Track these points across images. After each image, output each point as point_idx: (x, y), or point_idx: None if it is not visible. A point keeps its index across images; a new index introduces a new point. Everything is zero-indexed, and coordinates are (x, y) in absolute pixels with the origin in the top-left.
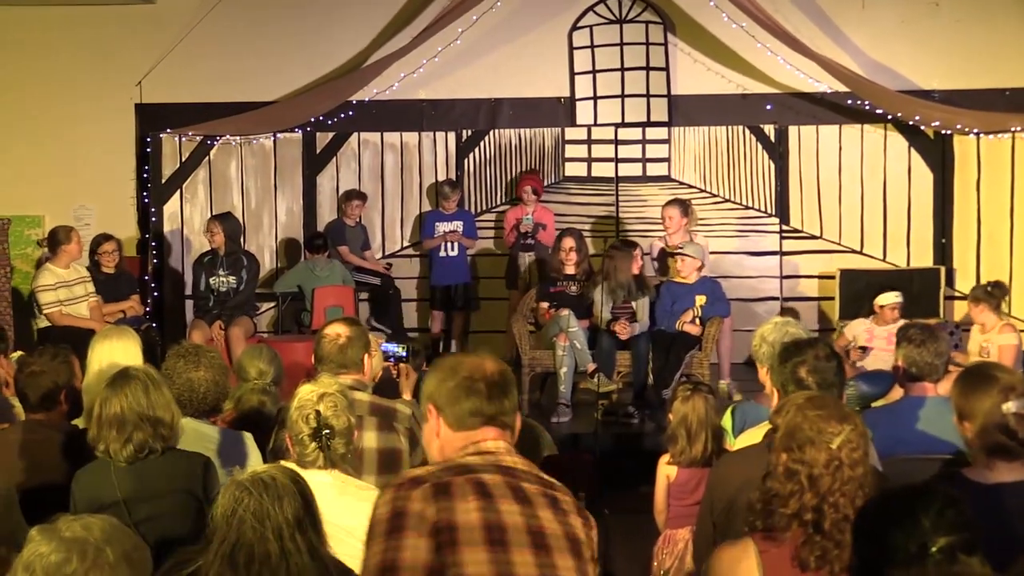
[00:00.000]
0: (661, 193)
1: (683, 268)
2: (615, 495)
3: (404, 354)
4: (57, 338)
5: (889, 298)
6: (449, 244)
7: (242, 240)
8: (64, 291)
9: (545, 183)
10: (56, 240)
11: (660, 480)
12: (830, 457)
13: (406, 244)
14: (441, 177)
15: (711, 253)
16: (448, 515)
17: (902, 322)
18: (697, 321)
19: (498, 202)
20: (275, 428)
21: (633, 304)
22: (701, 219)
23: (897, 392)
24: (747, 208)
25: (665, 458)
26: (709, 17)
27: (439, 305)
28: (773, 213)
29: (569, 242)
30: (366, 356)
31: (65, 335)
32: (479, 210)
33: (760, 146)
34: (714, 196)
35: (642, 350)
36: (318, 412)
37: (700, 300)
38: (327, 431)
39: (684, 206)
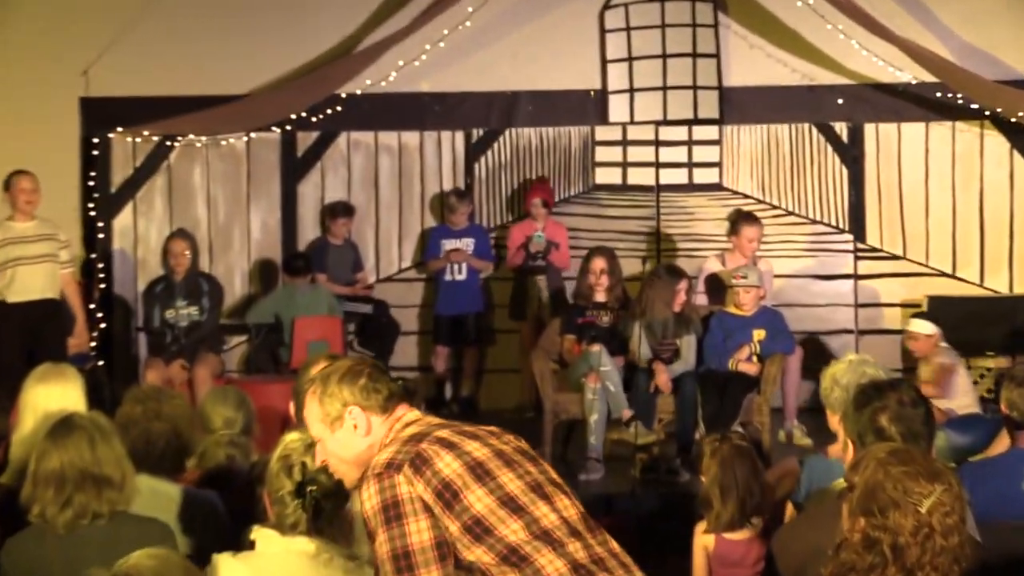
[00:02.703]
0: (711, 204)
1: (744, 300)
2: (657, 571)
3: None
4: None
5: (922, 327)
6: (457, 266)
7: (199, 261)
8: (15, 248)
9: (572, 192)
10: (6, 185)
11: (697, 554)
12: (918, 523)
13: (405, 266)
14: (447, 185)
15: (774, 277)
16: (436, 479)
17: (942, 359)
18: (755, 359)
19: (516, 215)
20: (254, 486)
21: (676, 341)
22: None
23: (1000, 443)
24: (814, 223)
25: (701, 527)
26: None
27: (445, 339)
28: (846, 228)
29: (600, 262)
30: None
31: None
32: (493, 225)
33: (830, 148)
34: (774, 208)
35: (688, 393)
36: (304, 464)
37: (759, 335)
38: (313, 488)
39: (761, 223)
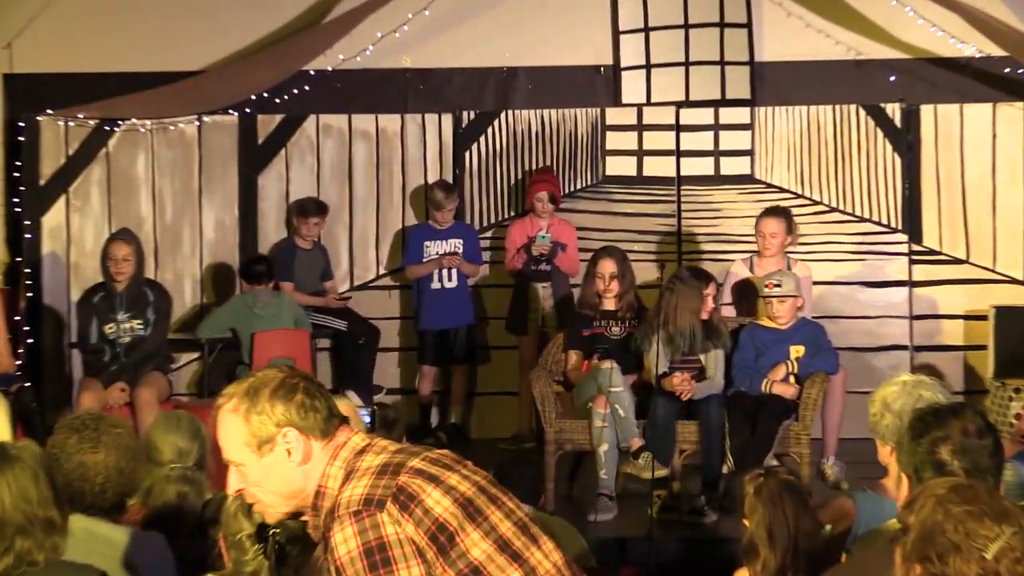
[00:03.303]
0: (741, 199)
1: (779, 312)
2: None
3: (369, 421)
4: None
5: None
6: (445, 271)
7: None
8: None
9: (578, 185)
10: None
11: None
12: (983, 571)
13: (383, 272)
14: (433, 177)
15: (814, 284)
16: (428, 518)
17: None
18: (792, 379)
19: (512, 212)
20: (208, 528)
21: (701, 357)
22: (800, 236)
23: None
24: (862, 220)
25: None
26: None
27: (431, 357)
28: (899, 227)
29: (609, 265)
30: None
31: None
32: (486, 223)
33: (880, 133)
34: (815, 204)
35: (714, 419)
36: None
37: (797, 351)
38: (276, 531)
39: (789, 218)
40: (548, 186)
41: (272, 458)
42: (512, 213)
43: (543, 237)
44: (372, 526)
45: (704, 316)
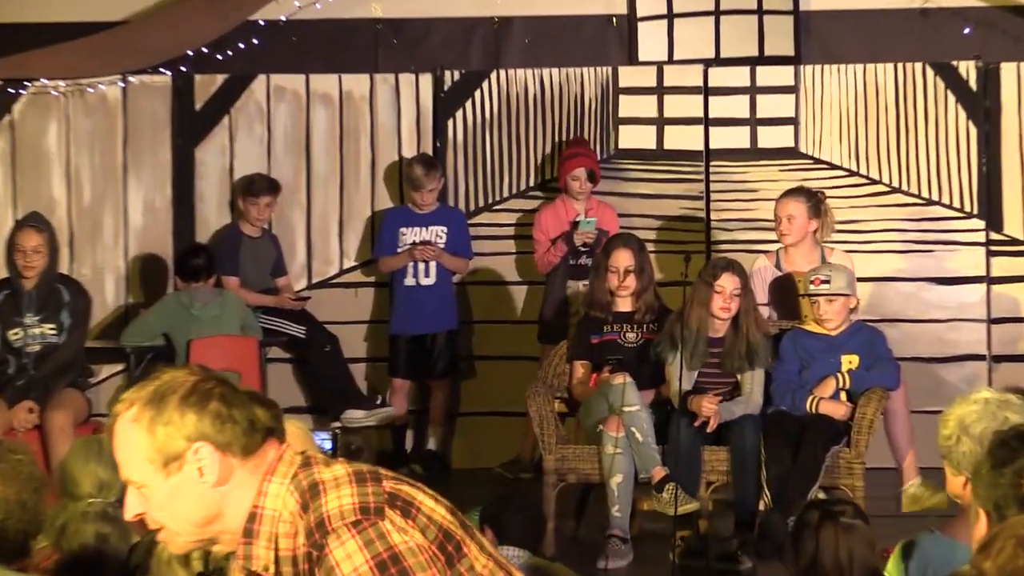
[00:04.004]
0: (783, 178)
1: (828, 313)
2: None
3: (331, 447)
4: None
5: None
6: (421, 265)
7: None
8: None
9: None
10: None
11: None
12: None
13: (348, 266)
14: (409, 151)
15: (860, 280)
16: (434, 525)
17: None
18: (843, 396)
19: (506, 193)
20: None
21: (737, 376)
22: (853, 222)
23: None
24: (929, 203)
25: None
26: None
27: (404, 368)
28: (975, 212)
29: (624, 257)
30: None
31: None
32: (474, 207)
33: (952, 97)
34: (872, 183)
35: (749, 444)
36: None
37: (849, 362)
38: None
39: (812, 200)
40: (587, 160)
41: (180, 478)
42: (509, 193)
43: (588, 223)
44: (378, 536)
45: (722, 316)
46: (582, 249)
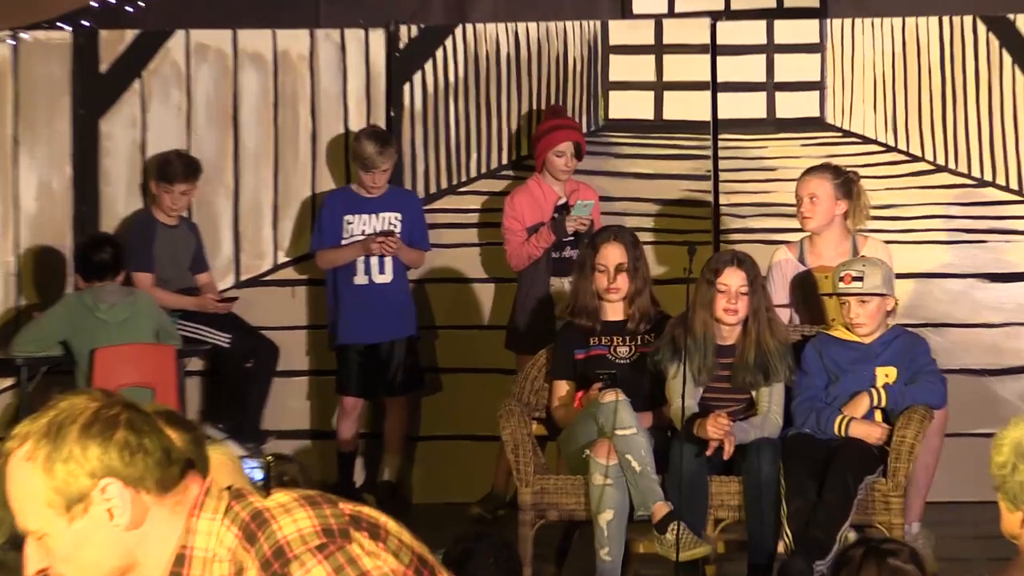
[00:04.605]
0: (806, 154)
1: (860, 317)
2: None
3: (262, 478)
4: None
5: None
6: (374, 260)
7: None
8: None
9: None
10: None
11: None
12: None
13: (283, 261)
14: (358, 123)
15: (899, 276)
16: (404, 548)
17: None
18: (879, 416)
19: (473, 172)
20: None
21: (751, 392)
22: (890, 207)
23: None
24: (981, 184)
25: None
26: None
27: (355, 385)
28: None
29: (614, 253)
30: None
31: None
32: (435, 189)
33: (1008, 57)
34: (913, 159)
35: (765, 474)
36: None
37: (886, 375)
38: None
39: (840, 177)
40: (574, 133)
41: (87, 522)
42: (474, 173)
43: (585, 206)
44: (348, 561)
45: (727, 319)
46: (573, 238)
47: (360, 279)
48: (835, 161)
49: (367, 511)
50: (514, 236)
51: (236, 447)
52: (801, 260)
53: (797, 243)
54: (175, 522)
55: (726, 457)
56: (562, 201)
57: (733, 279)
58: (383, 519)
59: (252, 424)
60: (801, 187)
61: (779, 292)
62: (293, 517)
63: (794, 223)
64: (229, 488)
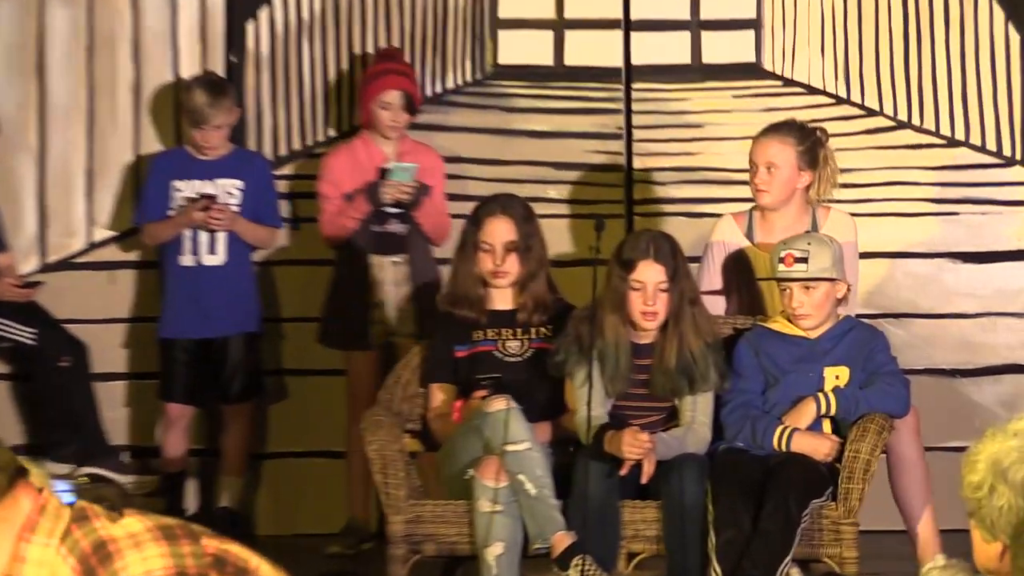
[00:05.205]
0: (738, 107)
1: (804, 306)
2: None
3: (72, 501)
4: None
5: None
6: (205, 237)
7: None
8: None
9: (450, 83)
10: None
11: None
12: None
13: (101, 238)
14: (189, 70)
15: (864, 256)
16: None
17: None
18: (827, 426)
19: (332, 131)
20: None
21: (674, 399)
22: (842, 172)
23: None
24: (953, 143)
25: None
26: None
27: (182, 390)
28: (1019, 157)
29: (502, 228)
30: None
31: None
32: (285, 151)
33: None
34: (868, 113)
35: (689, 498)
36: None
37: (836, 376)
38: None
39: (806, 141)
40: (402, 80)
41: None
42: (332, 132)
43: (404, 169)
44: None
45: (645, 324)
46: (395, 208)
47: (186, 260)
48: (773, 116)
49: (235, 551)
50: (328, 203)
51: (52, 465)
52: (749, 235)
53: (745, 214)
54: (1, 545)
55: (645, 480)
56: (390, 165)
57: (650, 274)
58: (254, 562)
59: (97, 440)
60: (757, 151)
61: (713, 277)
62: (143, 554)
63: (725, 191)
64: (72, 505)
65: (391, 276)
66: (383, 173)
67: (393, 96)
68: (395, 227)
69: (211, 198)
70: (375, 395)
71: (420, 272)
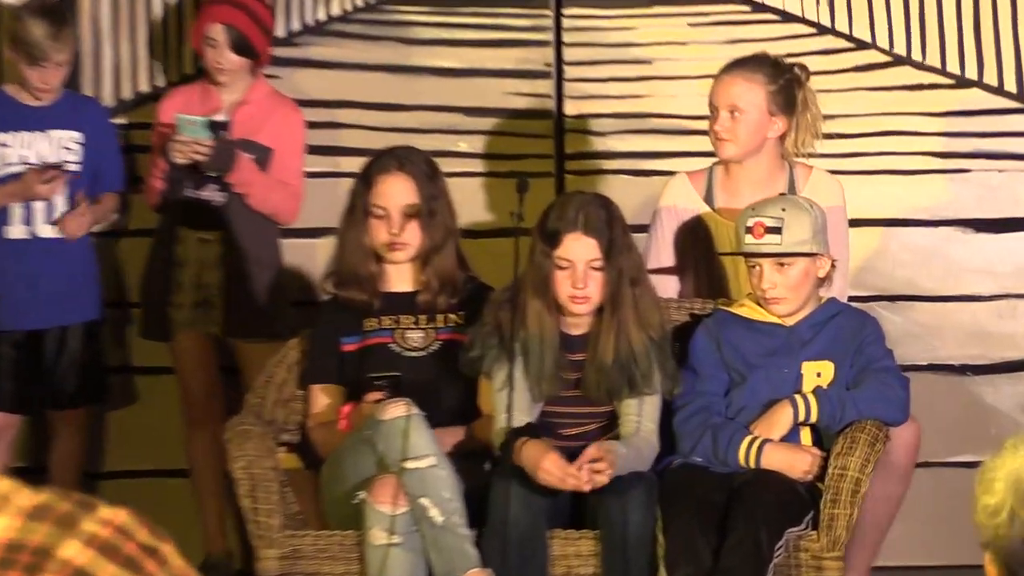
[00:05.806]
0: (695, 38)
1: (776, 287)
2: None
3: None
4: None
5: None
6: (38, 206)
7: None
8: None
9: (329, 10)
10: None
11: None
12: None
13: None
14: None
15: (853, 224)
16: None
17: None
18: (807, 436)
19: (190, 68)
20: None
21: (613, 402)
22: (826, 118)
23: None
24: (960, 84)
25: None
26: None
27: (8, 394)
28: None
29: (400, 189)
30: None
31: None
32: (132, 95)
33: None
34: (858, 46)
35: (633, 526)
36: None
37: (818, 373)
38: None
39: (780, 78)
40: (230, 12)
41: None
42: (190, 69)
43: (192, 123)
44: None
45: (575, 308)
46: (204, 174)
47: (15, 231)
48: (740, 50)
49: None
50: (154, 161)
51: None
52: (708, 199)
53: (704, 172)
54: None
55: (585, 488)
56: (221, 117)
57: (579, 249)
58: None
59: None
60: (718, 92)
61: (663, 251)
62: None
63: (679, 143)
64: None
65: (195, 255)
66: (219, 127)
67: (216, 31)
68: (210, 194)
69: (57, 168)
70: (209, 395)
71: (243, 255)
